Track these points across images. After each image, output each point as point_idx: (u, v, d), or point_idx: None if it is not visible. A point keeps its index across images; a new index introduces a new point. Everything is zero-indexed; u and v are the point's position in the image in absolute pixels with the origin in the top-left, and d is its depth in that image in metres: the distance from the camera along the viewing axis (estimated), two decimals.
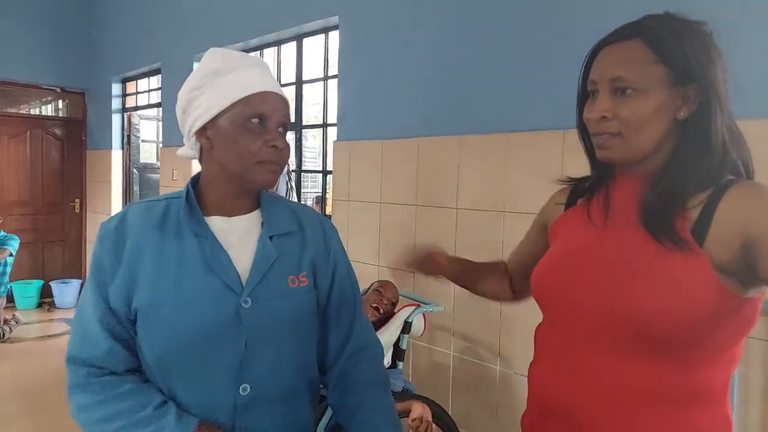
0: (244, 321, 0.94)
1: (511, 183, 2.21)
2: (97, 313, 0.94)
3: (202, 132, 0.96)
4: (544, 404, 0.95)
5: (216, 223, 0.99)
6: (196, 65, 4.32)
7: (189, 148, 1.02)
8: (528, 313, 1.02)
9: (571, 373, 0.89)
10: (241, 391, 0.94)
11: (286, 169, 3.43)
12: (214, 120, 0.95)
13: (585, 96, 0.91)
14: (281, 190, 3.36)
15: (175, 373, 0.93)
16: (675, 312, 0.78)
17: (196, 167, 1.08)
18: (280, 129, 0.96)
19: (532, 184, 2.10)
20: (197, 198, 1.00)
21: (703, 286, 0.77)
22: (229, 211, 1.00)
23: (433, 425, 1.82)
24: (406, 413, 1.79)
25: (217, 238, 0.97)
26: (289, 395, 1.00)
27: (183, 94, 0.98)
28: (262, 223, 1.02)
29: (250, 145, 0.92)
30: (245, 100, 0.93)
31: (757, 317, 0.82)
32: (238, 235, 0.99)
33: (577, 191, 1.01)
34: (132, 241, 0.95)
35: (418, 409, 1.79)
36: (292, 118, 3.64)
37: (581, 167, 0.99)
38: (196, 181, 1.03)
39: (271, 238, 1.00)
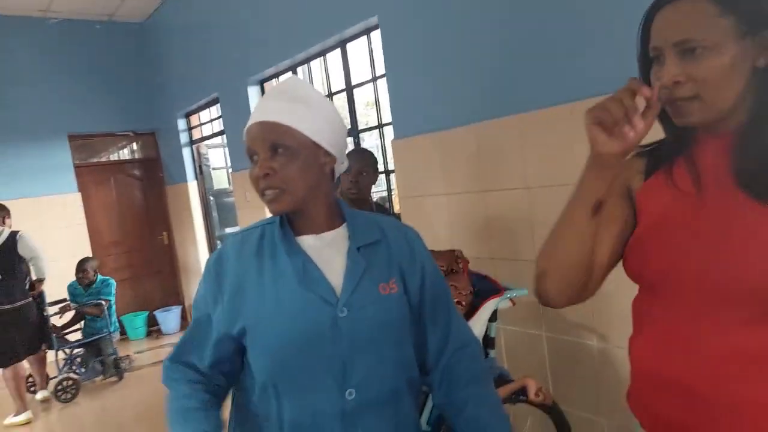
0: (342, 329, 1.00)
1: (578, 154, 2.14)
2: (205, 332, 1.06)
3: None
4: (654, 377, 0.92)
5: (307, 240, 1.06)
6: (250, 89, 4.45)
7: None
8: (619, 284, 0.99)
9: (682, 344, 0.87)
10: (347, 396, 1.00)
11: None
12: None
13: (647, 61, 0.87)
14: None
15: (284, 385, 1.00)
16: None
17: None
18: (277, 150, 0.99)
19: (564, 156, 2.02)
20: (290, 221, 1.08)
21: None
22: (313, 229, 1.07)
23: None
24: (522, 392, 1.81)
25: (308, 254, 1.04)
26: (392, 396, 1.05)
27: None
28: (349, 236, 1.08)
29: (251, 181, 1.03)
30: (245, 140, 1.04)
31: None
32: (329, 250, 1.06)
33: (654, 159, 0.96)
34: (231, 271, 1.05)
35: (533, 384, 1.80)
36: (348, 124, 3.70)
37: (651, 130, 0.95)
38: None
39: (358, 249, 1.06)
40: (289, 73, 4.16)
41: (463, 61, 2.56)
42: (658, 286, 0.91)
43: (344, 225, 1.10)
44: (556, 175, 2.23)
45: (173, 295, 6.42)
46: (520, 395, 1.94)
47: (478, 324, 2.08)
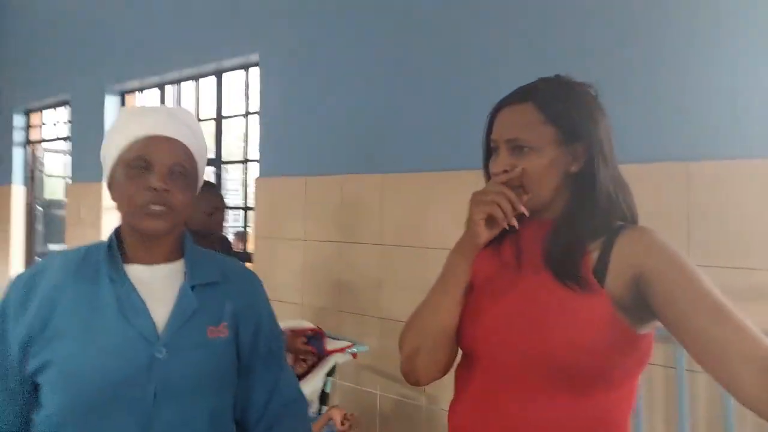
0: (155, 372, 0.90)
1: (432, 220, 2.26)
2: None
3: (109, 186, 0.99)
4: None
5: (136, 270, 0.97)
6: (108, 98, 4.11)
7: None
8: None
9: (487, 411, 0.92)
10: None
11: None
12: (112, 172, 0.97)
13: (489, 150, 0.99)
14: None
15: (78, 426, 0.87)
16: (581, 347, 0.84)
17: (107, 204, 1.08)
18: (174, 171, 0.95)
19: (452, 221, 2.17)
20: (119, 246, 0.99)
21: (605, 323, 0.84)
22: (147, 259, 0.99)
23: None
24: (327, 424, 1.84)
25: (134, 285, 0.94)
26: None
27: (101, 152, 1.02)
28: (185, 273, 1.00)
29: (131, 191, 0.93)
30: (129, 146, 0.95)
31: (650, 352, 0.90)
32: (159, 284, 0.97)
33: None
34: (44, 290, 0.92)
35: (338, 415, 1.84)
36: (213, 154, 3.55)
37: None
38: (119, 229, 1.03)
39: (193, 288, 0.98)
40: (156, 89, 3.92)
41: (337, 114, 2.62)
42: (473, 353, 0.97)
43: (182, 260, 1.03)
44: (409, 237, 2.32)
45: None
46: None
47: (316, 377, 2.03)
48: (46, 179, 5.30)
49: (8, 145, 5.16)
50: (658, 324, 0.86)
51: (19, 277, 0.96)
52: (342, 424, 1.82)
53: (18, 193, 5.13)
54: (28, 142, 5.19)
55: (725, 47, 1.67)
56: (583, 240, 0.90)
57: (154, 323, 0.93)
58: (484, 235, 0.93)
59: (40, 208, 5.22)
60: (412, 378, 1.02)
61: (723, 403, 1.57)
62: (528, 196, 0.91)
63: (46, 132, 5.15)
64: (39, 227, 5.20)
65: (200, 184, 1.05)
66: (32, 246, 5.13)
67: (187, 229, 1.10)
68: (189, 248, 1.04)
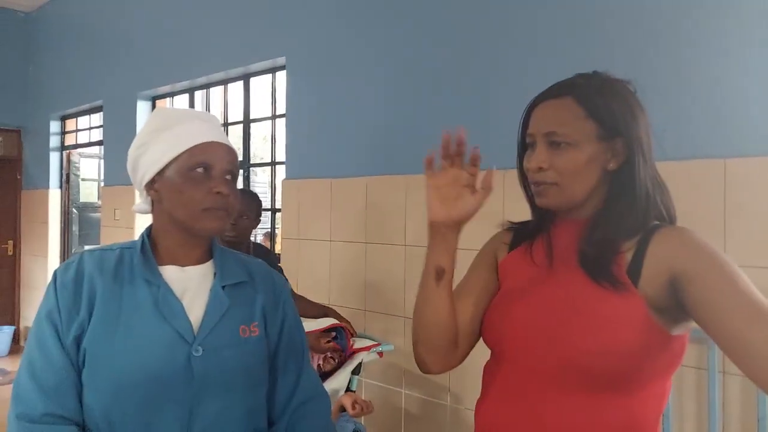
0: (194, 370, 0.94)
1: None
2: (56, 365, 0.92)
3: (150, 185, 1.01)
4: None
5: (170, 272, 1.01)
6: (140, 104, 4.22)
7: (143, 203, 1.07)
8: (475, 350, 1.04)
9: (516, 410, 0.92)
10: None
11: None
12: (161, 172, 0.99)
13: (524, 146, 0.98)
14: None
15: (121, 424, 0.91)
16: (613, 348, 0.83)
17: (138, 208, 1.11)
18: (228, 177, 1.01)
19: (475, 221, 2.16)
20: (151, 248, 1.02)
21: (638, 324, 0.83)
22: (182, 260, 1.03)
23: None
24: (342, 411, 1.87)
25: (170, 286, 0.98)
26: None
27: (131, 152, 1.03)
28: (215, 273, 1.04)
29: (194, 194, 0.97)
30: (189, 151, 0.98)
31: (683, 353, 0.89)
32: (192, 285, 1.01)
33: (520, 234, 1.05)
34: (88, 289, 0.96)
35: (348, 400, 1.87)
36: (240, 156, 3.62)
37: (520, 206, 1.05)
38: (150, 231, 1.06)
39: (224, 288, 1.02)
40: (186, 96, 4.02)
41: (363, 116, 2.65)
42: (503, 352, 0.97)
43: (211, 261, 1.06)
44: None
45: (7, 314, 5.62)
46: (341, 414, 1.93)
47: (342, 374, 2.06)
48: (81, 183, 5.45)
49: (45, 150, 5.33)
50: (693, 325, 0.84)
51: (63, 276, 0.98)
52: (353, 408, 1.85)
53: (54, 196, 5.29)
54: (63, 147, 5.36)
55: (762, 43, 1.63)
56: (618, 239, 0.88)
57: (190, 323, 0.96)
58: (437, 211, 0.96)
59: (76, 211, 5.37)
60: (422, 366, 1.02)
61: (758, 407, 1.54)
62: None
63: (81, 137, 5.31)
64: (74, 229, 5.35)
65: None
66: (68, 247, 5.29)
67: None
68: (217, 250, 1.08)
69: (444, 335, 0.98)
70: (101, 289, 0.96)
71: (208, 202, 0.97)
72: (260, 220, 2.28)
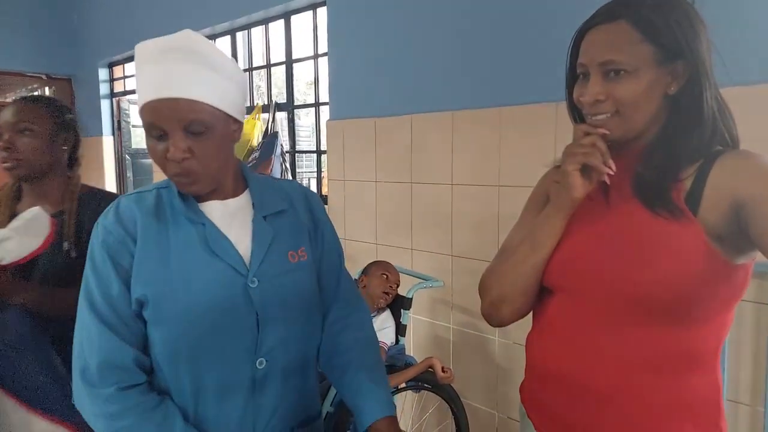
0: (253, 300, 0.97)
1: (505, 156, 2.22)
2: (118, 311, 0.94)
3: None
4: (546, 372, 0.98)
5: (210, 207, 1.01)
6: None
7: None
8: None
9: (573, 342, 0.93)
10: (257, 365, 0.98)
11: (279, 149, 3.42)
12: None
13: (574, 76, 0.93)
14: (276, 171, 3.36)
15: (193, 357, 0.95)
16: (672, 279, 0.81)
17: None
18: (198, 130, 0.89)
19: (526, 157, 2.12)
20: None
21: (697, 253, 0.80)
22: (219, 195, 1.02)
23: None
24: (428, 371, 2.01)
25: (213, 222, 0.99)
26: (300, 365, 1.06)
27: None
28: (254, 204, 1.04)
29: (156, 160, 0.93)
30: (141, 111, 0.91)
31: (747, 284, 0.86)
32: (233, 219, 1.02)
33: None
34: (132, 232, 0.96)
35: (438, 363, 2.01)
36: (284, 98, 3.61)
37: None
38: None
39: (265, 218, 1.03)
40: (227, 37, 3.99)
41: (406, 52, 2.57)
42: (556, 284, 0.97)
43: (247, 191, 1.06)
44: (480, 175, 2.30)
45: None
46: (422, 382, 2.03)
47: (394, 310, 2.13)
48: (132, 129, 5.58)
49: (95, 98, 5.47)
50: (758, 256, 0.81)
51: (105, 222, 0.97)
52: (443, 371, 1.99)
53: (108, 143, 5.48)
54: (113, 94, 5.48)
55: None
56: (677, 165, 0.84)
57: (241, 256, 0.98)
58: (580, 186, 0.88)
59: (129, 157, 5.55)
60: (496, 321, 1.04)
61: None
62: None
63: (129, 84, 5.40)
64: (129, 175, 5.55)
65: (242, 116, 0.99)
66: (124, 192, 5.50)
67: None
68: (252, 179, 1.07)
69: (531, 292, 0.99)
70: (145, 229, 0.96)
71: (168, 169, 0.92)
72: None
